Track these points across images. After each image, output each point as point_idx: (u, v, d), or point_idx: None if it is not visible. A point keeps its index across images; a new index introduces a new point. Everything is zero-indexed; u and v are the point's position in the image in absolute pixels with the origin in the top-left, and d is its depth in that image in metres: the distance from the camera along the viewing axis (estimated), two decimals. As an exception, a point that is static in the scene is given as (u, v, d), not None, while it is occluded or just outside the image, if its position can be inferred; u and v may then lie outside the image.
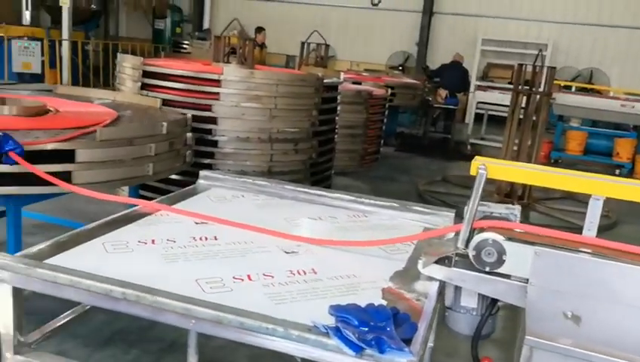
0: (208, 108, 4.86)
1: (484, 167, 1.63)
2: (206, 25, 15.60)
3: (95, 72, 13.76)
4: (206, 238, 1.89)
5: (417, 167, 8.29)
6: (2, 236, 4.29)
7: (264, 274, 1.63)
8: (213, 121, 4.87)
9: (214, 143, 4.90)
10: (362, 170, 7.48)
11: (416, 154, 9.27)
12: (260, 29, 9.57)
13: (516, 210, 1.84)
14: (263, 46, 8.99)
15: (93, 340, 3.01)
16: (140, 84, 5.08)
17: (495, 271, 1.58)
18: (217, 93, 4.87)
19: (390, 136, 9.41)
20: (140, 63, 5.11)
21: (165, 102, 4.89)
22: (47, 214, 4.59)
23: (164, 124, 3.42)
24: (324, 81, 5.32)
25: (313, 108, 5.26)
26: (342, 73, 5.90)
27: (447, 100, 10.24)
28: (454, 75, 10.83)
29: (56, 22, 13.72)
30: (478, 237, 1.58)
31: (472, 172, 1.68)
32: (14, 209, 3.10)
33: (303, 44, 8.04)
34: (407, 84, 9.59)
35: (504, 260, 1.56)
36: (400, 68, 14.03)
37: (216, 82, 4.86)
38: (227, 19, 16.17)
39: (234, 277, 1.59)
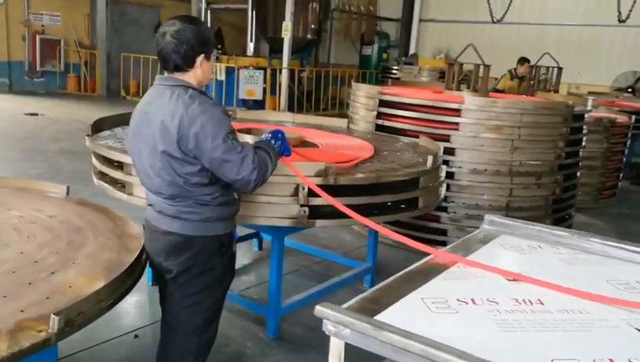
0: (445, 138, 4.69)
1: None
2: (412, 50, 15.64)
3: (307, 98, 14.63)
4: (530, 302, 1.65)
5: (666, 205, 7.19)
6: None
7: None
8: (450, 151, 4.68)
9: (450, 175, 4.70)
10: (599, 206, 6.69)
11: (659, 189, 8.07)
12: (523, 60, 8.42)
13: None
14: (522, 79, 8.03)
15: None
16: (375, 113, 5.10)
17: None
18: (457, 123, 4.68)
19: (625, 167, 8.34)
20: (377, 92, 5.13)
21: (399, 132, 4.84)
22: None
23: (440, 147, 3.70)
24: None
25: (559, 139, 4.80)
26: (590, 100, 5.30)
27: None
28: None
29: (274, 51, 14.89)
30: None
31: None
32: (279, 238, 3.20)
33: (532, 67, 7.50)
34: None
35: None
36: (630, 90, 12.52)
37: (457, 111, 4.67)
38: (433, 43, 16.19)
39: (596, 362, 1.33)
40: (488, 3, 10.89)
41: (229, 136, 2.07)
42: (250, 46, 15.32)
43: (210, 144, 2.04)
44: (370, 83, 12.87)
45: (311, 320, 3.61)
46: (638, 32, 13.33)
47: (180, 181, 2.13)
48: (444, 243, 4.79)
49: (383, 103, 5.08)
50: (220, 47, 15.05)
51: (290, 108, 13.06)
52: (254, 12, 14.77)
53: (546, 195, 4.85)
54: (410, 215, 3.21)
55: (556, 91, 7.24)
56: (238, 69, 13.01)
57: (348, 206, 2.39)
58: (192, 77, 2.20)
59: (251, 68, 13.23)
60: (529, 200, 4.81)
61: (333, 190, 2.64)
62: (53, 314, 1.70)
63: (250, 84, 13.20)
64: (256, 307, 3.51)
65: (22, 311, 1.78)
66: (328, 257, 4.54)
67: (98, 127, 3.66)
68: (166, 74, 2.24)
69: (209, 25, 15.30)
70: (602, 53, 13.87)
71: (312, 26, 15.25)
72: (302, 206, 2.72)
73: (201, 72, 2.21)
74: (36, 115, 11.26)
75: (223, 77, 12.97)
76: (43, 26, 14.81)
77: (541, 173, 4.77)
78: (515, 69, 7.97)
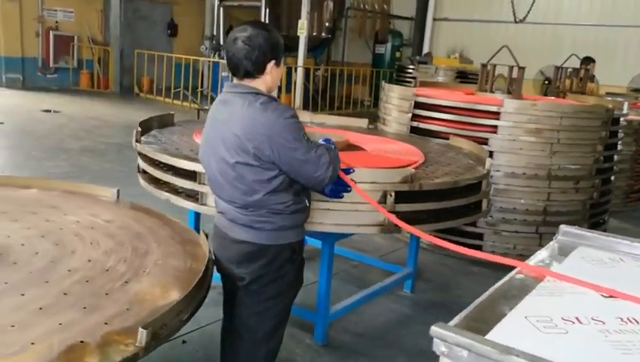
0: (483, 141, 4.62)
1: None
2: (426, 49, 15.56)
3: (321, 96, 14.56)
4: (636, 321, 1.60)
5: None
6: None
7: None
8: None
9: (487, 178, 4.65)
10: (627, 210, 6.63)
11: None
12: (588, 60, 8.16)
13: None
14: (592, 79, 8.06)
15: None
16: (410, 115, 5.05)
17: None
18: (495, 126, 4.63)
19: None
20: (412, 94, 5.08)
21: (434, 134, 4.79)
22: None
23: (485, 149, 3.73)
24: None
25: (598, 142, 4.74)
26: (626, 103, 5.24)
27: None
28: None
29: (286, 49, 14.71)
30: None
31: None
32: (329, 244, 3.16)
33: (558, 68, 7.44)
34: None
35: None
36: (647, 91, 12.42)
37: (495, 114, 4.61)
38: (448, 42, 16.10)
39: None
40: (512, 3, 10.80)
41: (304, 136, 2.07)
42: (263, 44, 15.23)
43: (291, 147, 2.02)
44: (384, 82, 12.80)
45: (357, 327, 3.59)
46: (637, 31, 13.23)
47: (254, 190, 2.08)
48: (479, 248, 4.74)
49: (417, 105, 5.03)
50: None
51: (305, 107, 13.00)
52: (267, 10, 14.69)
53: (584, 200, 4.80)
54: (476, 218, 3.18)
55: (583, 93, 7.18)
56: (254, 67, 12.92)
57: (423, 211, 2.35)
58: (261, 83, 2.16)
59: (266, 66, 13.15)
60: (567, 205, 4.75)
61: (414, 196, 2.60)
62: (141, 328, 1.65)
63: (266, 83, 13.13)
64: (304, 313, 3.46)
65: (106, 323, 1.73)
66: (367, 261, 4.49)
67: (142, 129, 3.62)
68: (235, 80, 2.20)
69: (221, 22, 15.26)
70: (618, 53, 13.78)
71: (327, 24, 15.17)
72: (389, 212, 2.67)
73: (270, 78, 2.18)
74: (50, 111, 11.24)
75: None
76: (57, 22, 14.78)
77: (580, 177, 4.71)
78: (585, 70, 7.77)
